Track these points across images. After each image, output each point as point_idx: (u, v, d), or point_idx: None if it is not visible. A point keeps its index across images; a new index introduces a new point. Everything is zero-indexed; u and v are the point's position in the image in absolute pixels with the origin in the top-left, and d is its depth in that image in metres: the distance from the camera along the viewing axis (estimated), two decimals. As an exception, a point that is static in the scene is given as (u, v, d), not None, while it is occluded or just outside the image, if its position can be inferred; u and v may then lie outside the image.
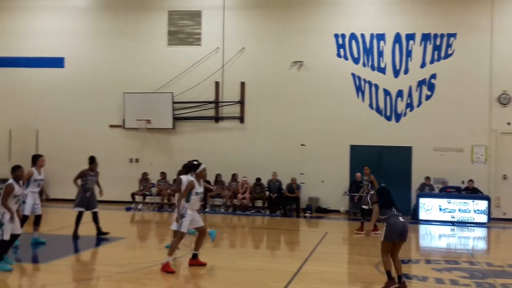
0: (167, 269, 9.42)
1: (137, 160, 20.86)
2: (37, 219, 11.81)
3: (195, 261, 10.00)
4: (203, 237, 10.03)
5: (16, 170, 9.56)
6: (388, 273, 8.63)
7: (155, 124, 20.41)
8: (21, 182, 9.66)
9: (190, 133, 20.71)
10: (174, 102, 20.30)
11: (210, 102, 20.52)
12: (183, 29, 20.84)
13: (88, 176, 12.81)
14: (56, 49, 21.38)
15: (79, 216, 12.81)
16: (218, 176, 19.61)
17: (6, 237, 9.22)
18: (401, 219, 8.74)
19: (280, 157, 19.78)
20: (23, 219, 11.10)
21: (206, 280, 9.25)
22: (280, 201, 18.90)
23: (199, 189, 9.79)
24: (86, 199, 12.78)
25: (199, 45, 20.64)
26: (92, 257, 11.29)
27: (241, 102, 20.37)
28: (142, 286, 8.79)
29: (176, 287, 8.97)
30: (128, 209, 19.02)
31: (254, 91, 20.30)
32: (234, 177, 19.52)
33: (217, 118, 20.56)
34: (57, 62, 21.37)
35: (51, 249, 12.30)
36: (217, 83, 20.50)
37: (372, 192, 14.43)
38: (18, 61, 21.57)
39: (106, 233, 12.86)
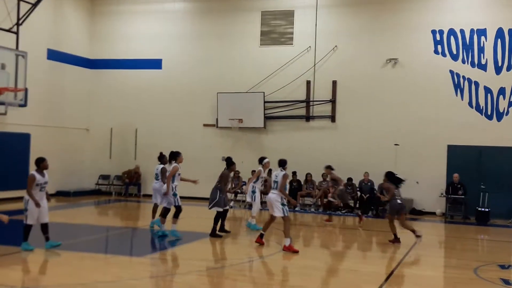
0: (291, 249, 11.11)
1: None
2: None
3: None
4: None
5: (41, 161, 10.46)
6: (395, 235, 12.78)
7: (247, 123, 20.68)
8: (44, 172, 10.47)
9: (281, 132, 20.78)
10: (265, 102, 20.46)
11: (301, 101, 20.48)
12: (276, 29, 20.96)
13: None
14: (154, 51, 22.27)
15: (221, 215, 12.90)
16: (308, 175, 19.53)
17: (30, 222, 10.34)
18: (399, 201, 12.77)
19: (372, 157, 19.37)
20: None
21: (298, 279, 9.21)
22: (372, 202, 18.50)
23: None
24: (222, 199, 12.81)
25: (291, 44, 20.66)
26: (185, 251, 11.58)
27: (333, 101, 20.16)
28: (234, 282, 8.90)
29: (267, 285, 9.01)
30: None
31: (346, 90, 20.02)
32: (324, 176, 19.34)
33: (308, 117, 20.48)
34: (155, 64, 22.27)
35: (147, 243, 12.81)
36: (308, 82, 20.42)
37: (338, 187, 16.08)
38: (119, 63, 22.71)
39: (226, 231, 13.09)
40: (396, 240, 12.75)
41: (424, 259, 11.40)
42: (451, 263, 11.45)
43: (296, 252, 11.06)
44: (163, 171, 13.41)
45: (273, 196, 11.55)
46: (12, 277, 8.65)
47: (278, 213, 11.46)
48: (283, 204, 11.43)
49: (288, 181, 11.90)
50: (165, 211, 12.53)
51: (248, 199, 15.31)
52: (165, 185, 12.59)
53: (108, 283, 8.42)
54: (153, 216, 13.90)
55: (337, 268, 10.12)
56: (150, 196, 18.03)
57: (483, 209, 17.73)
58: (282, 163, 11.80)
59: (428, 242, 13.88)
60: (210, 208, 12.84)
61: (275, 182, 11.61)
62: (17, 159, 18.81)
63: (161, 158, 13.93)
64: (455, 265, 11.06)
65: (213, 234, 12.63)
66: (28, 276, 9.16)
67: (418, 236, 13.00)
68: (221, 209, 12.72)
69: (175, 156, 12.60)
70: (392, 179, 13.08)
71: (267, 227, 11.97)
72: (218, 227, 12.82)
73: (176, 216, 12.38)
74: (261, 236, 11.87)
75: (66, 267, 9.40)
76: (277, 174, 11.71)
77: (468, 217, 17.83)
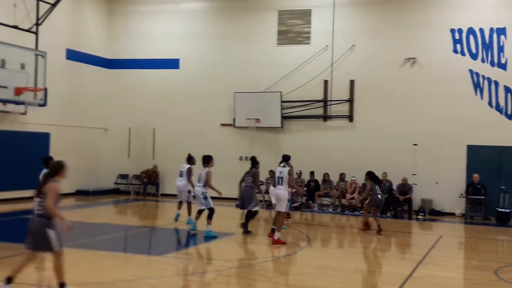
0: (280, 242, 11.81)
1: (246, 158, 21.20)
2: None
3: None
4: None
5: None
6: (366, 222, 14.43)
7: (264, 123, 20.68)
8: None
9: (298, 131, 20.73)
10: (282, 101, 20.43)
11: (318, 101, 20.42)
12: (293, 28, 20.91)
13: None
14: (172, 51, 22.36)
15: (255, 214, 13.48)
16: (325, 175, 19.46)
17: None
18: (379, 196, 14.26)
19: (391, 157, 19.23)
20: None
21: (317, 280, 9.17)
22: (390, 203, 18.36)
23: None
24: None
25: (308, 43, 20.60)
26: (205, 251, 11.62)
27: (350, 101, 20.07)
28: (253, 282, 8.90)
29: (286, 286, 8.99)
30: (238, 206, 19.38)
31: (364, 89, 19.91)
32: (342, 176, 19.26)
33: (325, 117, 20.40)
34: (173, 64, 22.35)
35: (166, 242, 12.85)
36: (325, 82, 20.35)
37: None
38: (137, 63, 22.84)
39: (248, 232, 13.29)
40: (367, 227, 14.42)
41: (443, 260, 11.28)
42: (471, 264, 11.32)
43: (284, 243, 11.86)
44: (189, 170, 14.54)
45: (281, 191, 12.06)
46: (33, 276, 8.73)
47: (281, 208, 12.06)
48: (289, 200, 12.17)
49: (294, 174, 13.16)
50: (210, 213, 12.81)
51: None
52: (189, 184, 14.26)
53: (127, 282, 8.46)
54: (178, 208, 15.01)
55: (355, 268, 10.05)
56: (168, 195, 18.19)
57: (503, 210, 17.53)
58: (286, 159, 12.41)
59: (448, 243, 13.77)
60: (251, 209, 13.14)
61: (280, 178, 12.10)
62: (37, 159, 19.01)
63: (190, 159, 14.82)
64: (475, 266, 10.94)
65: (246, 231, 13.06)
66: (49, 274, 9.23)
67: (380, 233, 13.91)
68: (257, 208, 13.38)
69: (208, 160, 12.91)
70: (374, 178, 14.58)
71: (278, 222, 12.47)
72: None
73: (209, 217, 12.65)
74: (273, 230, 12.23)
75: (86, 265, 9.47)
76: (281, 170, 12.15)
77: (488, 217, 17.63)
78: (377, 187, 14.47)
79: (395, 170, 18.82)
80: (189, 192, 14.49)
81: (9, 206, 17.14)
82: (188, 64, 22.17)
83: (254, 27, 21.32)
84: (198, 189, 12.83)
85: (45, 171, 8.82)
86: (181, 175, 14.81)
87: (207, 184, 12.72)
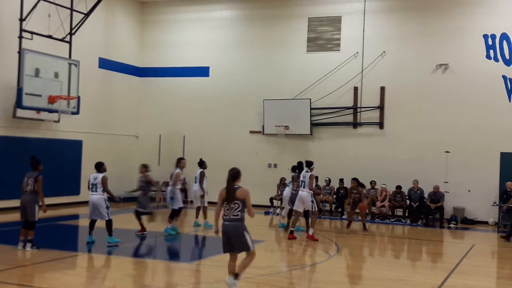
0: (313, 238, 13.28)
1: (275, 166, 21.23)
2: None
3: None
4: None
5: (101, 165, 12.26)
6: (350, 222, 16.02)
7: (293, 130, 20.65)
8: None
9: (327, 139, 20.64)
10: (312, 108, 20.37)
11: (348, 108, 20.30)
12: (323, 35, 20.87)
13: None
14: (202, 59, 22.54)
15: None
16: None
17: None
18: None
19: (422, 165, 18.97)
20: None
21: (345, 288, 9.11)
22: (421, 211, 18.11)
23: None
24: None
25: (338, 50, 20.53)
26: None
27: (381, 108, 19.89)
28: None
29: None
30: (266, 213, 19.40)
31: (394, 96, 19.72)
32: (372, 184, 19.07)
33: (355, 124, 20.27)
34: (203, 72, 22.54)
35: (194, 248, 12.92)
36: (355, 88, 20.23)
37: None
38: (167, 71, 23.10)
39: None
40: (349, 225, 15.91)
41: (476, 269, 11.06)
42: (504, 274, 11.08)
43: (317, 240, 13.24)
44: (202, 175, 15.25)
45: (304, 193, 13.54)
46: (64, 281, 8.87)
47: (309, 207, 13.56)
48: (312, 201, 13.52)
49: (314, 180, 14.20)
50: (173, 213, 14.00)
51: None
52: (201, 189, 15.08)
53: (157, 288, 8.52)
54: (196, 216, 15.50)
55: (385, 277, 9.93)
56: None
57: (538, 219, 17.11)
58: (308, 164, 13.84)
59: (481, 252, 13.49)
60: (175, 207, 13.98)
61: (303, 182, 13.65)
62: (70, 166, 19.39)
63: (202, 164, 15.48)
64: (508, 276, 10.71)
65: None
66: (79, 280, 9.37)
67: (365, 230, 15.51)
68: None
69: (178, 162, 14.35)
70: (359, 183, 15.82)
71: (295, 223, 13.89)
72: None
73: (171, 216, 13.84)
74: (292, 232, 13.59)
75: (116, 272, 9.58)
76: (305, 175, 13.68)
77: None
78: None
79: (427, 178, 18.55)
80: (202, 196, 15.06)
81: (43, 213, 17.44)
82: (217, 72, 22.32)
83: (284, 34, 21.35)
84: (170, 188, 13.99)
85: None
86: (195, 181, 15.32)
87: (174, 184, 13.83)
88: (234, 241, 7.78)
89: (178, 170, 14.09)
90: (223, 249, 7.94)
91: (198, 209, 15.36)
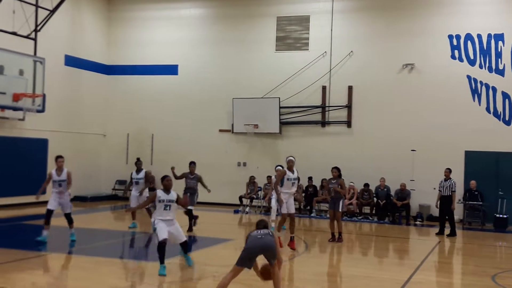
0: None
1: (244, 164, 21.25)
2: (67, 217, 12.27)
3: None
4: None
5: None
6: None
7: (262, 129, 20.70)
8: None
9: (296, 137, 20.75)
10: (281, 107, 20.45)
11: (316, 107, 20.45)
12: (291, 35, 20.97)
13: (187, 179, 14.50)
14: (171, 57, 22.40)
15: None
16: (324, 181, 19.41)
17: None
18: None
19: (389, 163, 19.24)
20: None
21: (312, 286, 9.16)
22: (388, 208, 18.37)
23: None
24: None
25: (307, 50, 20.65)
26: (201, 257, 11.58)
27: (349, 106, 20.10)
28: (248, 287, 8.89)
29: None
30: (236, 212, 19.41)
31: (362, 95, 19.94)
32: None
33: (323, 123, 20.43)
34: (172, 70, 22.39)
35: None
36: (324, 88, 20.39)
37: None
38: (136, 69, 22.88)
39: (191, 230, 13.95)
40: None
41: (441, 266, 11.28)
42: (469, 270, 11.32)
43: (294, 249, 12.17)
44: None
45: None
46: (29, 281, 8.72)
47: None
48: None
49: (278, 178, 12.96)
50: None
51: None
52: None
53: (124, 288, 8.45)
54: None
55: (352, 275, 10.04)
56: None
57: (501, 216, 17.55)
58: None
59: (446, 249, 13.75)
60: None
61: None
62: (35, 164, 19.03)
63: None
64: (472, 272, 10.93)
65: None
66: (45, 280, 9.23)
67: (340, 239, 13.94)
68: None
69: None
70: (340, 173, 14.35)
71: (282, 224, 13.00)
72: None
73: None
74: (292, 238, 12.39)
75: (82, 272, 9.46)
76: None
77: (486, 223, 17.63)
78: None
79: (393, 175, 18.83)
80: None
81: (7, 212, 17.13)
82: (186, 70, 22.21)
83: (252, 33, 21.37)
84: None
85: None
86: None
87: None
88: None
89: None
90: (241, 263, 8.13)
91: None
